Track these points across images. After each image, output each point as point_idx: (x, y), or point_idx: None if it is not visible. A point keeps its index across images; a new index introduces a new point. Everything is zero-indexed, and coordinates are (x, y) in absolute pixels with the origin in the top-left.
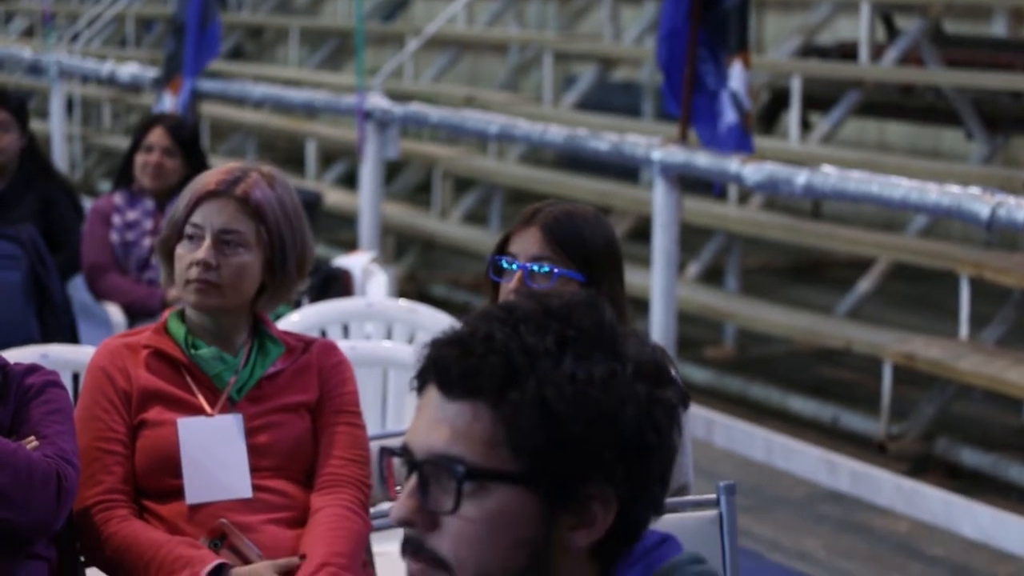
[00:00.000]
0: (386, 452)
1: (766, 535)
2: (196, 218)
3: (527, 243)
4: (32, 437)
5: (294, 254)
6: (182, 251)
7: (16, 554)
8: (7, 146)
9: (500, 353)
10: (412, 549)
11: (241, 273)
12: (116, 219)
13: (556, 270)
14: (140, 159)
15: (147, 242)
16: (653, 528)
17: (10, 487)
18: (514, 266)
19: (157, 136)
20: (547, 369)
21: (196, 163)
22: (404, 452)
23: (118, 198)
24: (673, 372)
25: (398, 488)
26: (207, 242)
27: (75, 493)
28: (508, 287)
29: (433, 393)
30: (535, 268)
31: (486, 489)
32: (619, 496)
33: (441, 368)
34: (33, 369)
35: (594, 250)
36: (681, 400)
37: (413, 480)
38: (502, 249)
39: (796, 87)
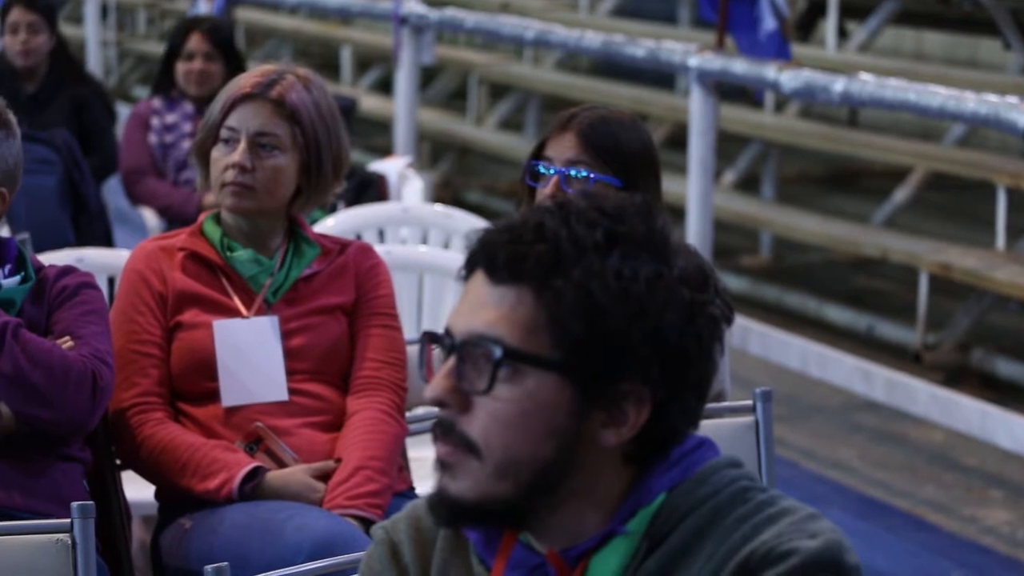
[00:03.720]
0: (428, 337)
1: (801, 444)
2: (231, 121)
3: (563, 148)
4: (67, 337)
5: (330, 157)
6: (218, 154)
7: (51, 454)
8: (37, 48)
9: (549, 241)
10: (442, 431)
11: (276, 176)
12: (155, 122)
13: (592, 175)
14: (182, 68)
15: (186, 145)
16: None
17: (45, 385)
18: (550, 171)
19: (196, 42)
20: (594, 262)
21: (235, 66)
22: (445, 335)
23: (157, 102)
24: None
25: None
26: (242, 145)
27: (110, 393)
28: (544, 192)
29: (479, 278)
30: (571, 173)
31: (521, 373)
32: (653, 399)
33: (489, 253)
34: (67, 270)
35: (631, 154)
36: (725, 315)
37: (451, 361)
38: (538, 154)
39: None
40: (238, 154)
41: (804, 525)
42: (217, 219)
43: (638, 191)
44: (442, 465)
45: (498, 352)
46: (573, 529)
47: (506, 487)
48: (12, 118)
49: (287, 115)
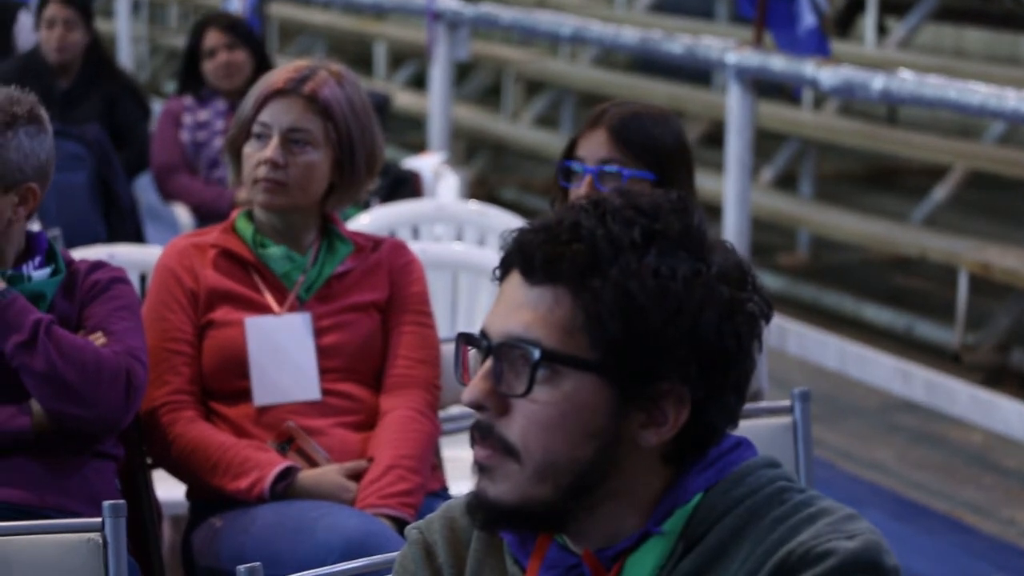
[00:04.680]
0: (463, 338)
1: (838, 444)
2: (264, 117)
3: (595, 146)
4: (99, 333)
5: (363, 153)
6: (250, 150)
7: (83, 452)
8: (73, 44)
9: (585, 241)
10: (481, 434)
11: (309, 172)
12: (187, 119)
13: (625, 171)
14: (208, 66)
15: (218, 142)
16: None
17: (78, 383)
18: (583, 170)
19: (214, 38)
20: (631, 261)
21: (259, 53)
22: (481, 336)
23: (188, 99)
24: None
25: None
26: (275, 141)
27: (144, 390)
28: (578, 192)
29: (515, 279)
30: (604, 170)
31: (560, 375)
32: (692, 398)
33: (525, 253)
34: (99, 265)
35: (663, 149)
36: (764, 312)
37: (488, 363)
38: (570, 154)
39: None
40: (270, 150)
41: (842, 526)
42: (250, 216)
43: (672, 186)
44: (480, 468)
45: (536, 354)
46: (610, 530)
47: (545, 490)
48: (44, 114)
49: (320, 111)
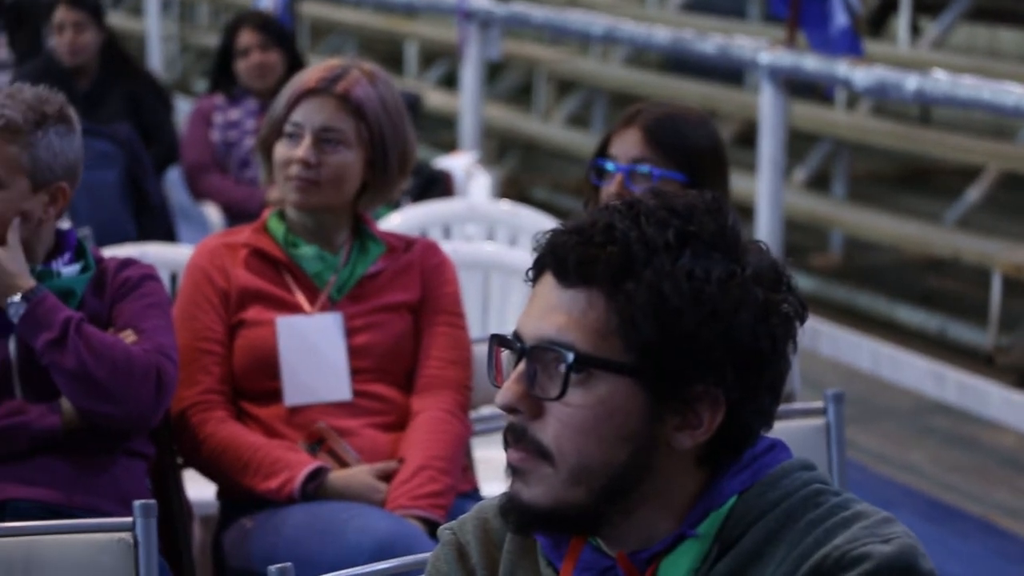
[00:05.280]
0: (496, 340)
1: (872, 447)
2: (296, 116)
3: (627, 144)
4: (130, 331)
5: (396, 152)
6: (282, 149)
7: (114, 450)
8: (85, 46)
9: (619, 243)
10: (514, 437)
11: (341, 171)
12: (218, 118)
13: (656, 171)
14: (241, 65)
15: (248, 142)
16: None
17: (108, 380)
18: (614, 168)
19: (247, 37)
20: (665, 263)
21: (292, 53)
22: (515, 339)
23: (219, 98)
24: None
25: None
26: (307, 140)
27: (174, 388)
28: (608, 190)
29: (548, 281)
30: (635, 170)
31: (594, 378)
32: (727, 400)
33: (559, 255)
34: (129, 262)
35: (696, 151)
36: (798, 313)
37: (521, 366)
38: (602, 152)
39: None
40: (302, 149)
41: (878, 529)
42: (281, 215)
43: (704, 187)
44: (514, 471)
45: (570, 357)
46: (644, 532)
47: (579, 493)
48: (73, 113)
49: (352, 110)
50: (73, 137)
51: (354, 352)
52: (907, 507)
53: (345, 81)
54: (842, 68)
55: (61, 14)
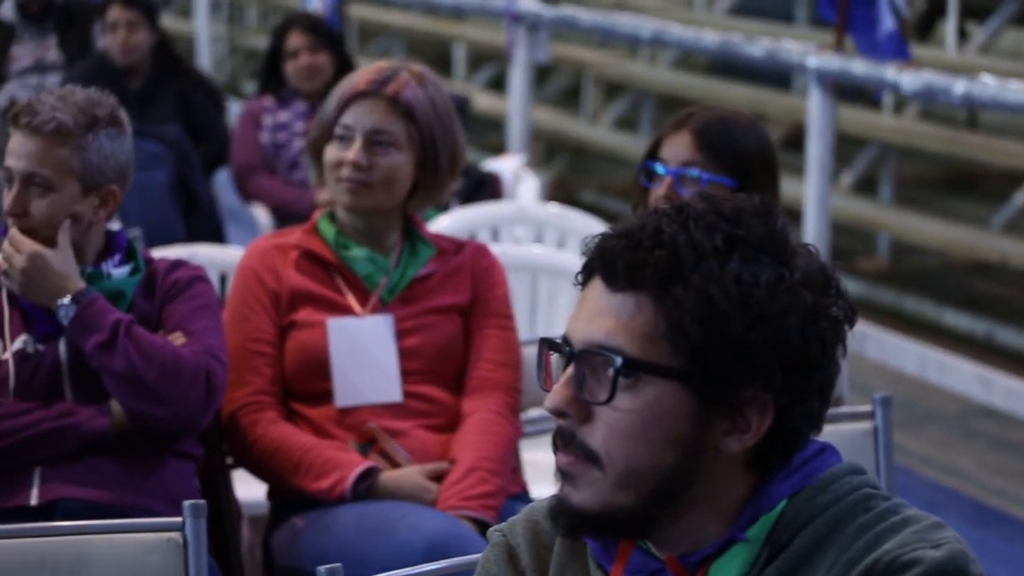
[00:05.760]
0: (545, 344)
1: (918, 450)
2: (346, 119)
3: (677, 148)
4: (179, 333)
5: (446, 153)
6: (332, 152)
7: (163, 452)
8: (137, 45)
9: (667, 247)
10: (563, 441)
11: (392, 174)
12: (267, 120)
13: (705, 175)
14: (290, 67)
15: (297, 144)
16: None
17: (158, 383)
18: (663, 171)
19: (297, 39)
20: (713, 267)
21: (341, 55)
22: (563, 343)
23: (268, 100)
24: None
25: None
26: (358, 143)
27: (223, 390)
28: (657, 193)
29: (597, 285)
30: (685, 173)
31: (642, 382)
32: (776, 405)
33: (607, 260)
34: (179, 264)
35: (746, 156)
36: (847, 317)
37: (570, 370)
38: (652, 155)
39: None
40: (353, 152)
41: (928, 534)
42: (332, 217)
43: (754, 192)
44: (563, 475)
45: (618, 362)
46: (693, 536)
47: (628, 497)
48: (124, 116)
49: (402, 112)
50: (124, 139)
51: (404, 354)
52: (953, 511)
53: (395, 83)
54: (890, 72)
55: (115, 13)
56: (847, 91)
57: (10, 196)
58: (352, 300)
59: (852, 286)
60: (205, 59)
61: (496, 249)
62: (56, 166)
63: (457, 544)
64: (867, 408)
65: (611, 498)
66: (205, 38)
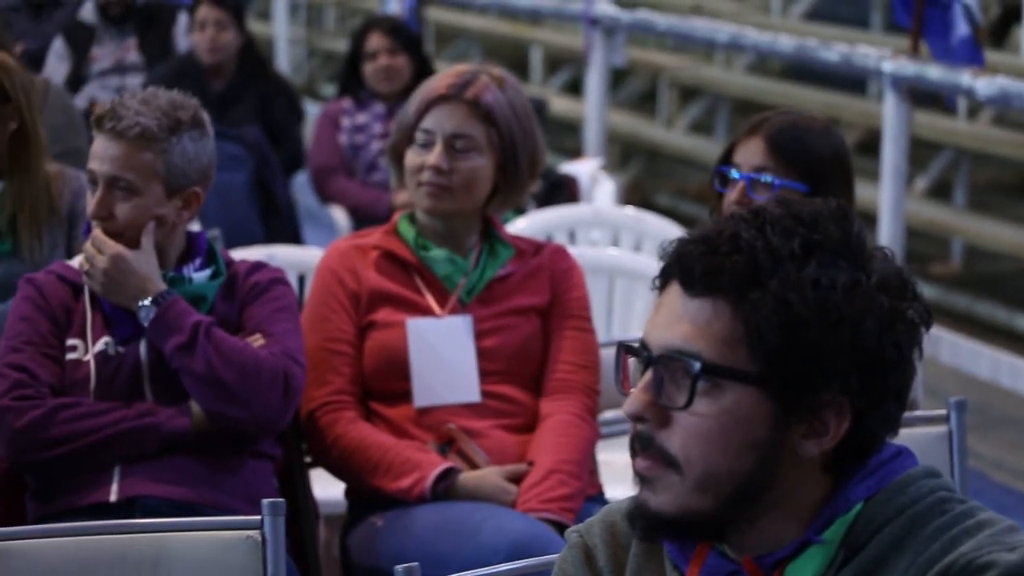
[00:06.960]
0: (623, 348)
1: (991, 455)
2: (427, 123)
3: (750, 153)
4: (258, 335)
5: (526, 156)
6: (413, 155)
7: (242, 452)
8: (225, 45)
9: (745, 252)
10: (642, 445)
11: (473, 177)
12: (345, 122)
13: (777, 181)
14: (369, 68)
15: (375, 146)
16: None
17: (237, 384)
18: (737, 176)
19: (376, 41)
20: (790, 272)
21: (420, 58)
22: (641, 347)
23: (347, 102)
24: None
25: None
26: (438, 147)
27: (301, 392)
28: (730, 198)
29: (675, 290)
30: (757, 178)
31: (720, 387)
32: (853, 408)
33: (685, 265)
34: (258, 266)
35: (819, 161)
36: (924, 320)
37: (648, 375)
38: (726, 159)
39: None
40: (434, 156)
41: (1003, 538)
42: (412, 218)
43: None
44: (642, 479)
45: (696, 367)
46: (770, 538)
47: (706, 501)
48: (206, 118)
49: (482, 116)
50: (206, 141)
51: (483, 354)
52: None
53: (475, 87)
54: (965, 78)
55: (203, 12)
56: (922, 96)
57: (94, 199)
58: (431, 301)
59: (926, 291)
60: (284, 61)
61: (572, 251)
62: (140, 170)
63: (540, 546)
64: (942, 412)
65: (689, 502)
66: (284, 40)
